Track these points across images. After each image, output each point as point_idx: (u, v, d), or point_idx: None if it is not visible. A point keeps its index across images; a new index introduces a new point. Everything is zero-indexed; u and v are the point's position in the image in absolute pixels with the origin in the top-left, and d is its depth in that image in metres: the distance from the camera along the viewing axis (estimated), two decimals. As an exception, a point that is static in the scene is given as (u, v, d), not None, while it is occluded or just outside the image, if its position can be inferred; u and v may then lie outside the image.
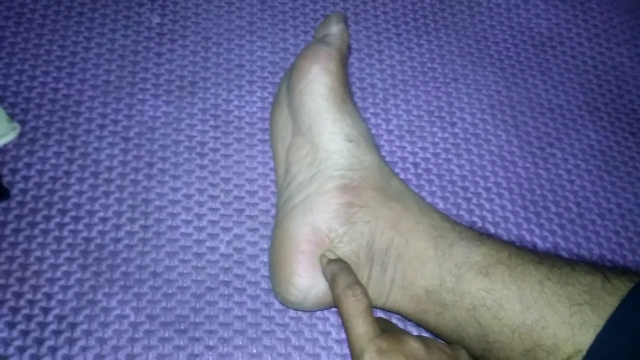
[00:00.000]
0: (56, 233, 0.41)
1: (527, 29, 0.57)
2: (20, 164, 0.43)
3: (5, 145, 0.43)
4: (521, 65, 0.55)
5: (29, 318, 0.38)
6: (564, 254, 0.45)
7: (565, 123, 0.52)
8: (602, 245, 0.46)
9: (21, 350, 0.37)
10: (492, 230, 0.45)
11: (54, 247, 0.40)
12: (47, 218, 0.41)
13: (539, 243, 0.46)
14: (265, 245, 0.42)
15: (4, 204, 0.41)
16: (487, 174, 0.48)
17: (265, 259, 0.42)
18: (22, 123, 0.44)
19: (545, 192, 0.48)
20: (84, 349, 0.37)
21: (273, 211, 0.44)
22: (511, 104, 0.52)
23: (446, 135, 0.50)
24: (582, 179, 0.50)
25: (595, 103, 0.54)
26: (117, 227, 0.41)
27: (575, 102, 0.54)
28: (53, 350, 0.37)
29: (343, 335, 0.40)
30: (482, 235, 0.37)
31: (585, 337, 0.31)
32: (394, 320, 0.40)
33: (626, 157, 0.52)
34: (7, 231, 0.40)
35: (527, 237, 0.46)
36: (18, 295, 0.38)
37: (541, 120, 0.52)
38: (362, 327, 0.31)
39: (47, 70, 0.47)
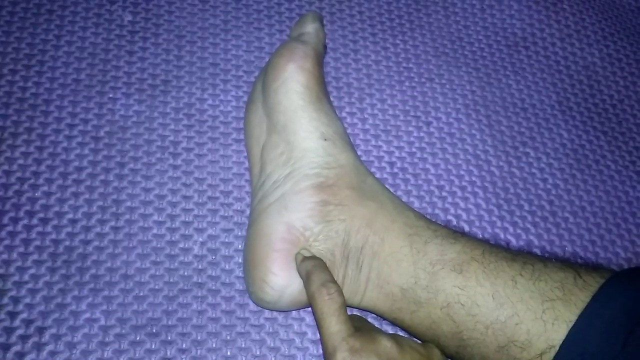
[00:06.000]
0: (24, 235, 0.40)
1: (501, 30, 0.58)
2: (-15, 165, 0.41)
3: (-30, 145, 0.42)
4: (495, 65, 0.55)
5: (-6, 323, 0.37)
6: (537, 251, 0.46)
7: (538, 122, 0.53)
8: (575, 243, 0.47)
9: (-14, 356, 0.35)
10: (466, 228, 0.46)
11: (21, 249, 0.39)
12: (15, 220, 0.40)
13: (513, 241, 0.46)
14: (240, 246, 0.42)
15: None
16: (462, 172, 0.49)
17: (240, 260, 0.41)
18: (-12, 122, 0.43)
19: (519, 191, 0.49)
20: (53, 353, 0.36)
21: (248, 211, 0.43)
22: (485, 103, 0.53)
23: (421, 134, 0.50)
24: (555, 177, 0.50)
25: (568, 103, 0.55)
26: (87, 229, 0.40)
27: (548, 102, 0.54)
28: (20, 355, 0.36)
29: (319, 336, 0.40)
30: (457, 233, 0.37)
31: (558, 333, 0.31)
32: (370, 319, 0.40)
33: (598, 155, 0.52)
34: (-29, 234, 0.39)
35: (501, 235, 0.46)
36: (-17, 300, 0.37)
37: (514, 119, 0.53)
38: (335, 326, 0.31)
39: (15, 68, 0.46)
